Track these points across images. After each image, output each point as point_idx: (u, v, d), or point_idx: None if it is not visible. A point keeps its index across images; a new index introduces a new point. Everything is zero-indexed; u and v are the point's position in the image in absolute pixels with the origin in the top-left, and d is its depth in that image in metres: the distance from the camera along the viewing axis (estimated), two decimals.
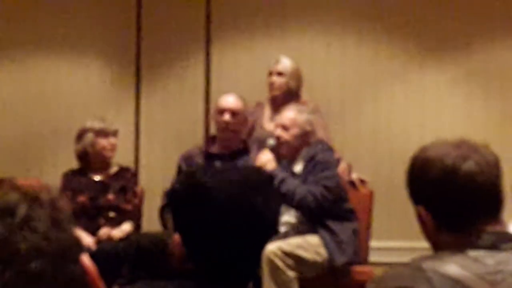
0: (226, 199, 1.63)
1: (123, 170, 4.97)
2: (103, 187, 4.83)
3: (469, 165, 1.78)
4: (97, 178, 4.88)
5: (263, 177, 1.73)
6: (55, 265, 0.93)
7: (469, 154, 1.80)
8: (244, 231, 1.64)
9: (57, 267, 0.93)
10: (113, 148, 4.92)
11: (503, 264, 1.72)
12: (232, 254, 1.65)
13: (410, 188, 1.87)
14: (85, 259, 0.98)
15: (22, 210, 0.95)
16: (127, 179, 4.91)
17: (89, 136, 4.84)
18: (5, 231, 0.93)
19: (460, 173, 1.78)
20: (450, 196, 1.80)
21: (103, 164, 4.90)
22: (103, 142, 4.86)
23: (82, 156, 4.91)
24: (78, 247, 0.98)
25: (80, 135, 4.90)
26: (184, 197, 1.69)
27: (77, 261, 0.97)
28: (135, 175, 5.11)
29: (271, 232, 1.71)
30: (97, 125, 4.88)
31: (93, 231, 4.61)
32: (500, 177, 1.82)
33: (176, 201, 1.72)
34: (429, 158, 1.82)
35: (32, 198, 0.97)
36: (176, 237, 1.67)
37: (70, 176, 4.90)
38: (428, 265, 1.71)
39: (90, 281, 0.98)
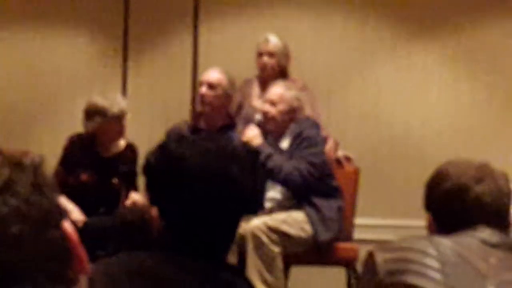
0: (201, 169, 1.62)
1: (129, 147, 4.81)
2: (108, 166, 4.69)
3: (480, 188, 1.88)
4: (104, 154, 4.74)
5: (238, 146, 1.71)
6: (35, 230, 0.93)
7: (485, 178, 1.89)
8: (220, 200, 1.62)
9: (38, 232, 0.93)
10: (124, 130, 4.74)
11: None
12: (209, 225, 1.64)
13: (425, 195, 1.99)
14: (67, 225, 0.98)
15: (3, 174, 0.94)
16: (132, 161, 4.74)
17: (98, 120, 4.63)
18: None
19: (470, 193, 1.88)
20: (456, 212, 1.90)
21: (112, 142, 4.77)
22: (115, 127, 4.67)
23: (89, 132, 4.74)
24: (60, 212, 0.98)
25: (89, 115, 4.66)
26: (159, 169, 1.68)
27: (58, 226, 0.96)
28: (137, 155, 4.84)
29: (248, 201, 1.69)
30: (109, 109, 4.63)
31: (86, 211, 4.55)
32: (508, 208, 1.92)
33: (151, 174, 1.71)
34: (447, 172, 1.93)
35: (15, 162, 0.97)
36: (154, 210, 1.67)
37: (76, 143, 4.74)
38: (433, 237, 1.85)
39: (71, 247, 0.98)
